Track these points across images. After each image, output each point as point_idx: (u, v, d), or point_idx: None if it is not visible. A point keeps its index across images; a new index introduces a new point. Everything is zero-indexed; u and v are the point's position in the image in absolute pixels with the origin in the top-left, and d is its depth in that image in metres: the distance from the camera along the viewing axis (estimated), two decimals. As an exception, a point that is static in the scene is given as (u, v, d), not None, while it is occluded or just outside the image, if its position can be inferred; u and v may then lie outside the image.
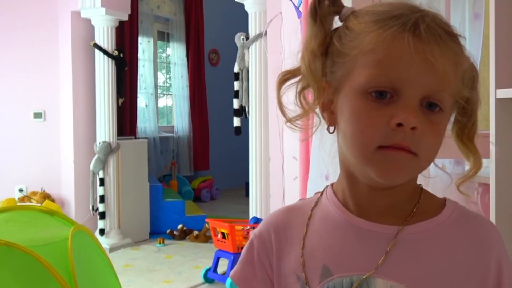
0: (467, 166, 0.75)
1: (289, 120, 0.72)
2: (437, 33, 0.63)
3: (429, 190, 0.75)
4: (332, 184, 0.76)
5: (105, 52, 4.62)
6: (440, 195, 0.75)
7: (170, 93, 7.31)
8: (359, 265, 0.67)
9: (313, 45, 0.69)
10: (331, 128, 0.71)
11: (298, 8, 3.14)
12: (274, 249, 0.74)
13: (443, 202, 0.72)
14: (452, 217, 0.70)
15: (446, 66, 0.63)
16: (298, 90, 0.73)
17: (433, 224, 0.69)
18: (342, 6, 0.71)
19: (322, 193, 0.77)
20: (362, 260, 0.68)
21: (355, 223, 0.70)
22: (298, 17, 3.14)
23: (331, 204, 0.73)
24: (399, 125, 0.62)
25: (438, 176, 0.78)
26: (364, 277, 0.66)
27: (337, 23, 0.73)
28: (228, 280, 3.52)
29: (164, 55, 7.39)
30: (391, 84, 0.63)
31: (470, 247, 0.68)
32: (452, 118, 0.71)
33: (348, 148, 0.67)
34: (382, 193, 0.69)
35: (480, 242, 0.69)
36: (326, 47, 0.69)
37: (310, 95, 0.73)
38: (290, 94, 0.75)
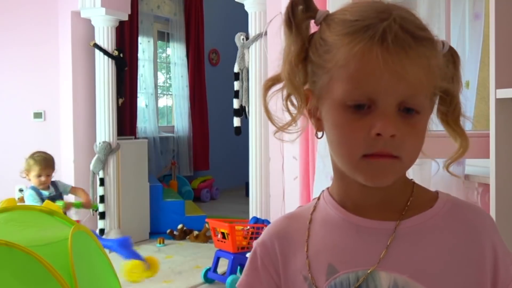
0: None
1: (280, 129, 0.75)
2: (405, 42, 0.64)
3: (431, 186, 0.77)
4: (328, 188, 0.79)
5: (105, 52, 4.62)
6: (441, 187, 0.77)
7: (170, 93, 7.31)
8: (363, 261, 0.70)
9: (291, 56, 0.71)
10: (319, 134, 0.74)
11: (298, 8, 3.13)
12: (278, 256, 0.76)
13: (435, 195, 0.75)
14: (446, 208, 0.73)
15: (417, 72, 0.65)
16: (284, 96, 0.74)
17: (427, 216, 0.72)
18: (316, 10, 0.72)
19: (319, 197, 0.80)
20: (365, 256, 0.71)
21: (354, 221, 0.73)
22: (298, 17, 3.13)
23: (329, 206, 0.76)
24: (379, 134, 0.65)
25: (439, 175, 0.79)
26: (369, 271, 0.69)
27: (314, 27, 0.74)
28: (228, 280, 3.52)
29: (164, 55, 7.39)
30: (367, 96, 0.65)
31: (465, 235, 0.71)
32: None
33: (335, 156, 0.71)
34: (374, 190, 0.71)
35: (474, 230, 0.72)
36: (305, 54, 0.71)
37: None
38: (278, 101, 0.76)
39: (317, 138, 0.74)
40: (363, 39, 0.65)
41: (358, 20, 0.66)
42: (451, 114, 0.74)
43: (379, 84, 0.64)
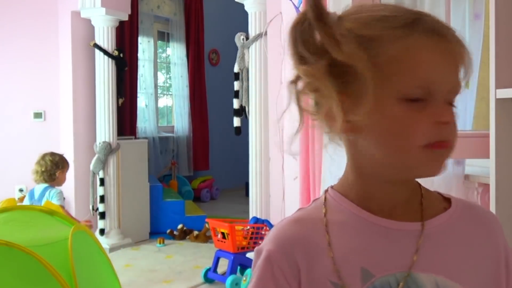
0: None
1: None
2: (452, 33, 0.68)
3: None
4: (332, 187, 0.76)
5: (105, 52, 4.62)
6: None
7: (170, 93, 7.31)
8: (396, 263, 0.70)
9: (316, 70, 0.68)
10: (346, 136, 0.71)
11: (298, 8, 3.14)
12: (299, 263, 0.71)
13: (440, 196, 0.77)
14: (459, 209, 0.75)
15: (461, 60, 0.69)
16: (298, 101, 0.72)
17: (446, 217, 0.73)
18: (328, 13, 0.69)
19: (325, 198, 0.75)
20: (397, 258, 0.70)
21: (380, 223, 0.71)
22: (298, 17, 3.13)
23: (347, 207, 0.73)
24: (442, 122, 0.66)
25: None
26: (407, 274, 0.69)
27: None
28: (228, 280, 3.52)
29: (164, 55, 7.39)
30: (426, 87, 0.66)
31: (481, 234, 0.74)
32: None
33: (387, 153, 0.68)
34: (401, 190, 0.72)
35: (488, 228, 0.75)
36: (328, 63, 0.68)
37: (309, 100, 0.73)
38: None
39: (343, 141, 0.73)
40: (418, 30, 0.66)
41: (399, 16, 0.67)
42: None
43: (438, 73, 0.66)
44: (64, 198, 3.45)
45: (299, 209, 0.79)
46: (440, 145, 0.67)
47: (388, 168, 0.70)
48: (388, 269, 0.69)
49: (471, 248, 0.72)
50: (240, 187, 7.39)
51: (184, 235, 5.11)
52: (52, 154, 3.49)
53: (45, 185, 3.40)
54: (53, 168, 3.42)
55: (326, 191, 0.77)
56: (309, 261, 0.71)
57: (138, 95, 6.19)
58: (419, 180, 0.76)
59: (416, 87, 0.66)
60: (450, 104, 0.68)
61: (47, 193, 3.37)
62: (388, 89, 0.66)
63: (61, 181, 3.50)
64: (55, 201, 3.32)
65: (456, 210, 0.74)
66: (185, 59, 7.09)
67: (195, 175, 7.26)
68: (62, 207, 3.35)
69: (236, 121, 3.94)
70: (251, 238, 3.65)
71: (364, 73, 0.66)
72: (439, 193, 0.77)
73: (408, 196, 0.73)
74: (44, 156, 3.45)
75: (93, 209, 4.62)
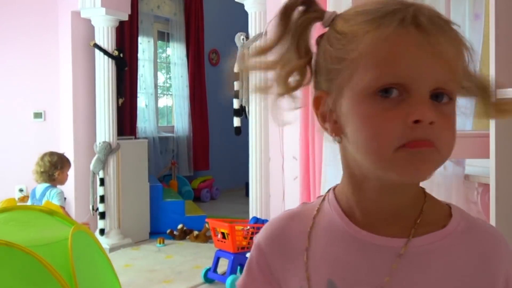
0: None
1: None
2: (439, 23, 0.61)
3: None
4: (334, 188, 0.73)
5: (105, 52, 4.62)
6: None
7: (170, 93, 7.31)
8: (365, 280, 0.65)
9: (293, 65, 0.68)
10: (337, 138, 0.68)
11: (298, 8, 3.13)
12: (276, 260, 0.72)
13: (448, 211, 0.69)
14: (459, 229, 0.67)
15: (453, 55, 0.61)
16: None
17: (439, 236, 0.66)
18: (323, 11, 0.68)
19: (324, 197, 0.73)
20: (367, 275, 0.65)
21: (359, 236, 0.67)
22: (298, 17, 3.13)
23: (334, 212, 0.70)
24: (417, 121, 0.59)
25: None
26: None
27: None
28: (228, 280, 3.52)
29: (164, 55, 7.39)
30: (399, 82, 0.60)
31: (476, 262, 0.65)
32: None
33: (363, 156, 0.64)
34: (390, 197, 0.66)
35: (487, 257, 0.66)
36: (309, 57, 0.68)
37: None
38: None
39: (338, 142, 0.68)
40: (394, 21, 0.60)
41: (382, 8, 0.62)
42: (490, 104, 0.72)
43: (415, 67, 0.59)
44: (65, 198, 3.45)
45: (303, 203, 0.78)
46: (415, 144, 0.59)
47: (368, 172, 0.65)
48: (354, 285, 0.65)
49: (456, 276, 0.64)
50: (240, 187, 7.39)
51: (184, 235, 5.11)
52: (51, 154, 3.47)
53: (46, 184, 3.40)
54: (51, 169, 3.42)
55: (329, 190, 0.74)
56: (284, 260, 0.71)
57: (138, 95, 6.19)
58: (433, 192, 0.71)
59: (388, 79, 0.60)
60: (440, 100, 0.61)
61: (47, 193, 3.36)
62: (360, 86, 0.61)
63: (62, 181, 3.49)
64: (55, 202, 3.32)
65: (455, 230, 0.66)
66: (185, 59, 7.09)
67: (195, 175, 7.26)
68: (63, 207, 3.35)
69: (236, 121, 3.93)
70: (251, 238, 3.65)
71: (336, 69, 0.65)
72: (450, 207, 0.69)
73: (398, 208, 0.66)
74: (43, 157, 3.44)
75: (93, 209, 4.62)
